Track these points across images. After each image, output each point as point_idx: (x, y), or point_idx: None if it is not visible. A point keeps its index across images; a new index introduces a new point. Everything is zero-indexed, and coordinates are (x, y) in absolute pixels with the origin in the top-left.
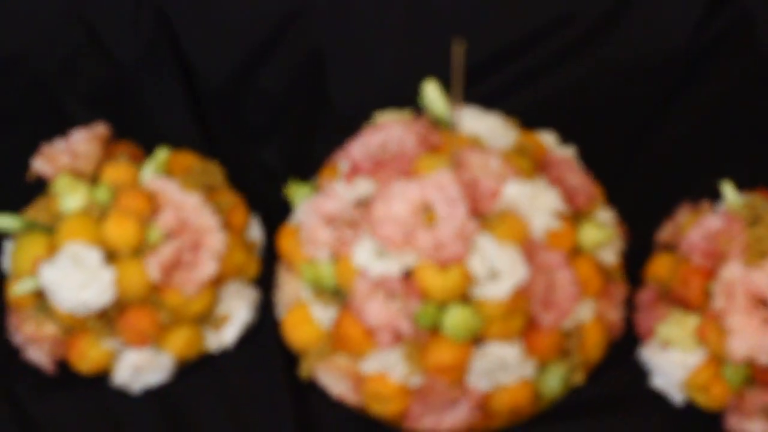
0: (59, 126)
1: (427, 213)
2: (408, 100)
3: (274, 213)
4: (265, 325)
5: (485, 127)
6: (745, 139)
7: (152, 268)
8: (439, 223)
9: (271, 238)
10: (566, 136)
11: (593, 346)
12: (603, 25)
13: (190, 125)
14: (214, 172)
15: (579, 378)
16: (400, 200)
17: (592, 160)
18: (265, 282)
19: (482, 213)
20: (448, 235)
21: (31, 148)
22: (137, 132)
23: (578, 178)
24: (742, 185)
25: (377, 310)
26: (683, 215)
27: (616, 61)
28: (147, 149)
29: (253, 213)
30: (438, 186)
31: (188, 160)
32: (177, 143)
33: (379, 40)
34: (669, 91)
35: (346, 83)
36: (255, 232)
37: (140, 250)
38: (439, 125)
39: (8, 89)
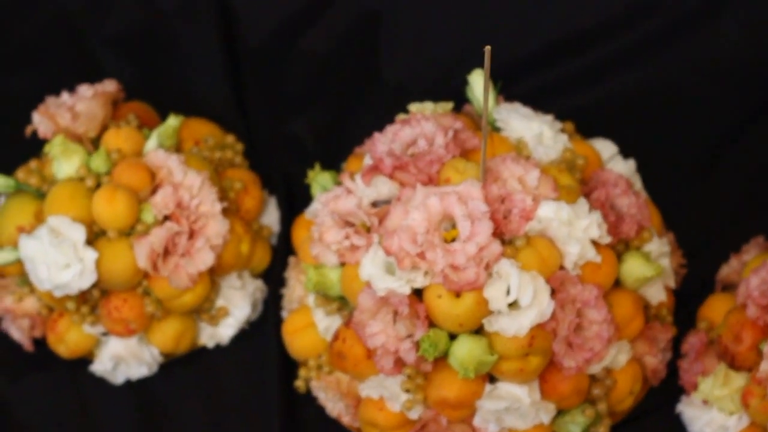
0: (83, 69)
1: (447, 228)
2: (464, 80)
3: (298, 195)
4: (266, 324)
5: (532, 131)
6: None
7: (141, 253)
8: (458, 242)
9: (290, 223)
10: (629, 147)
11: (623, 393)
12: (691, 17)
13: (222, 85)
14: (231, 146)
15: (603, 429)
16: (418, 210)
17: (657, 177)
18: (276, 273)
19: (510, 234)
20: (466, 256)
21: (51, 89)
22: (164, 86)
23: (630, 201)
24: None
25: (380, 331)
26: (751, 253)
27: (699, 62)
28: (170, 107)
29: (271, 194)
30: (463, 198)
31: (203, 129)
32: (205, 102)
33: (441, 9)
34: (762, 102)
35: (398, 53)
36: (270, 217)
37: (130, 231)
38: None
39: (30, 23)
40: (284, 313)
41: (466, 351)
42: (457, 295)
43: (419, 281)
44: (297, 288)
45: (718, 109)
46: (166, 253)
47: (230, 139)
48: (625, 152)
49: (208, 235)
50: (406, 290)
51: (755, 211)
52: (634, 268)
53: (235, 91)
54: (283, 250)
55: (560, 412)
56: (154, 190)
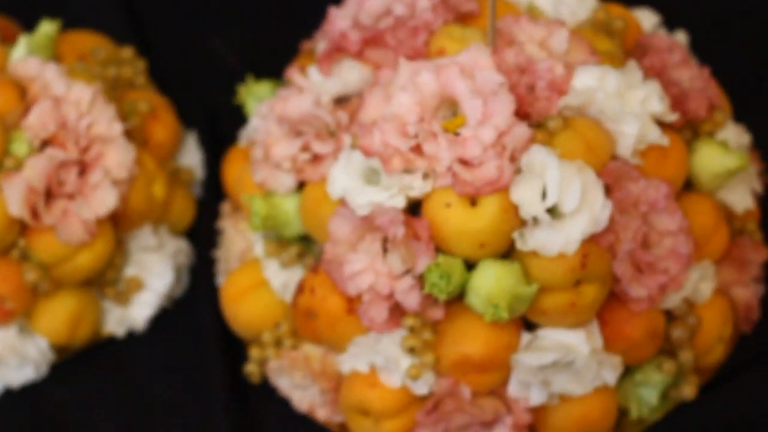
0: None
1: (447, 116)
2: None
3: (225, 132)
4: (197, 299)
5: None
6: None
7: (13, 194)
8: (467, 128)
9: (217, 168)
10: (676, 24)
11: (711, 338)
12: None
13: (112, 6)
14: (129, 62)
15: (689, 389)
16: (405, 91)
17: (714, 62)
18: (204, 233)
19: (538, 116)
20: (482, 144)
21: None
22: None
23: (693, 73)
24: None
25: (365, 268)
26: None
27: None
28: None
29: (189, 130)
30: (467, 70)
31: (90, 41)
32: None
33: None
34: None
35: None
36: (189, 158)
37: None
38: None
39: None
40: (221, 281)
41: (492, 281)
42: (473, 202)
43: (417, 187)
44: (237, 241)
45: None
46: (50, 195)
47: (127, 52)
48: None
49: (107, 166)
50: (399, 202)
51: None
52: (710, 158)
53: (126, 8)
54: (211, 202)
55: (627, 371)
56: (25, 112)
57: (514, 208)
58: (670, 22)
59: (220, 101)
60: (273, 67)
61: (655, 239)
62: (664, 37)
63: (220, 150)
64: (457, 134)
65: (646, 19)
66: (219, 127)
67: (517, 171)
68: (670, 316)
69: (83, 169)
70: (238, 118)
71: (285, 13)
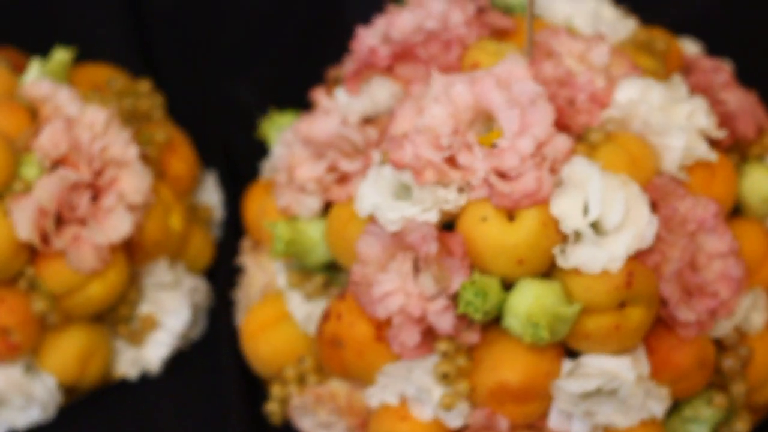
0: None
1: (481, 132)
2: None
3: (246, 173)
4: (215, 340)
5: (585, 10)
6: None
7: (22, 218)
8: (504, 140)
9: (236, 209)
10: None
11: (763, 372)
12: None
13: (126, 44)
14: (146, 95)
15: (742, 425)
16: (439, 103)
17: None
18: (223, 274)
19: (579, 128)
20: (520, 155)
21: None
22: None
23: (739, 95)
24: None
25: (395, 289)
26: None
27: None
28: None
29: (209, 169)
30: (503, 81)
31: (104, 74)
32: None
33: None
34: None
35: None
36: (210, 196)
37: (4, 193)
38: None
39: None
40: (240, 321)
41: (531, 300)
42: (511, 216)
43: (451, 200)
44: (258, 276)
45: None
46: (61, 220)
47: (144, 86)
48: None
49: (122, 190)
50: (432, 217)
51: None
52: (760, 182)
53: (143, 53)
54: (231, 243)
55: (676, 406)
56: (36, 134)
57: (555, 223)
58: (714, 52)
59: (240, 141)
60: (294, 106)
61: (704, 261)
62: (709, 59)
63: (240, 190)
64: (493, 147)
65: (689, 47)
66: (239, 167)
67: (558, 183)
68: (719, 346)
69: (96, 193)
70: (258, 158)
71: (306, 49)
